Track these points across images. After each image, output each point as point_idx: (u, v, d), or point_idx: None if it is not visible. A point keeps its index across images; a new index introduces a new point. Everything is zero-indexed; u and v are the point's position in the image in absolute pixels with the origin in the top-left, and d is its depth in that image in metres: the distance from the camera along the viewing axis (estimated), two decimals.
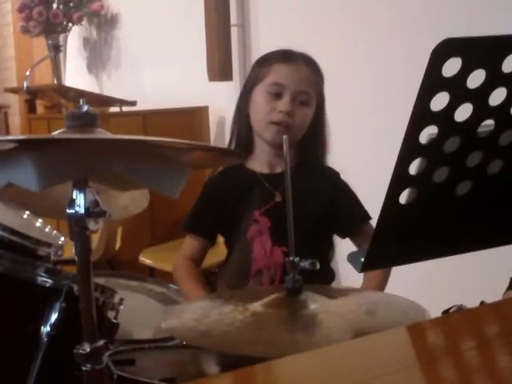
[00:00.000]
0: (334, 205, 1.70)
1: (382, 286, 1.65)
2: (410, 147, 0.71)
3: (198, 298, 1.55)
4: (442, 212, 0.80)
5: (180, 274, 1.72)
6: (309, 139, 1.69)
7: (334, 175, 1.75)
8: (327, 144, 1.74)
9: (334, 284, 1.77)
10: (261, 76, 1.66)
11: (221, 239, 1.78)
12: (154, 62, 3.80)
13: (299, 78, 1.64)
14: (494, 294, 1.23)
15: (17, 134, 4.73)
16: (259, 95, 1.66)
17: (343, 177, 1.75)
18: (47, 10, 4.06)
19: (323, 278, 1.68)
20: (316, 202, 1.67)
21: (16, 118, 5.02)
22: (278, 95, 1.63)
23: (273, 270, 1.63)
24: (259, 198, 1.67)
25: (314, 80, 1.67)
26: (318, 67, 1.70)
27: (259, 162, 1.71)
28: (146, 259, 2.85)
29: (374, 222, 1.52)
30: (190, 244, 1.75)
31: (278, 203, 1.65)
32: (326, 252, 1.74)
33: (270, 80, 1.64)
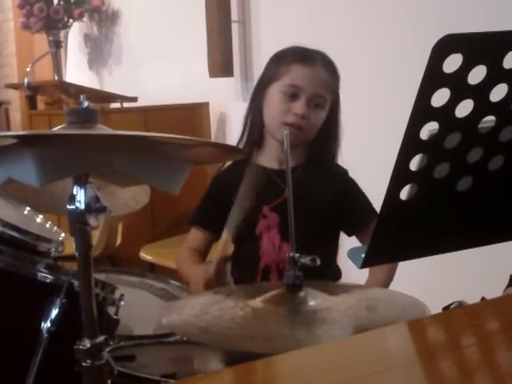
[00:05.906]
0: (341, 202, 1.69)
1: (387, 281, 1.65)
2: (410, 143, 0.71)
3: (199, 275, 1.53)
4: (443, 208, 0.80)
5: (183, 262, 1.72)
6: (320, 138, 1.68)
7: (342, 172, 1.74)
8: (339, 143, 1.73)
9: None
10: (278, 75, 1.64)
11: None
12: (155, 58, 3.79)
13: (317, 81, 1.62)
14: (495, 291, 1.23)
15: (17, 130, 4.73)
16: (274, 94, 1.64)
17: (352, 174, 1.75)
18: (48, 7, 4.05)
19: (330, 275, 1.68)
20: (324, 199, 1.68)
21: (17, 114, 5.01)
22: (293, 96, 1.61)
23: (281, 266, 1.63)
24: (268, 194, 1.65)
25: (331, 83, 1.66)
26: (335, 68, 1.68)
27: (269, 158, 1.71)
28: (146, 255, 2.84)
29: None
30: (194, 237, 1.75)
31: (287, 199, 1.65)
32: (333, 249, 1.74)
33: (286, 81, 1.62)
